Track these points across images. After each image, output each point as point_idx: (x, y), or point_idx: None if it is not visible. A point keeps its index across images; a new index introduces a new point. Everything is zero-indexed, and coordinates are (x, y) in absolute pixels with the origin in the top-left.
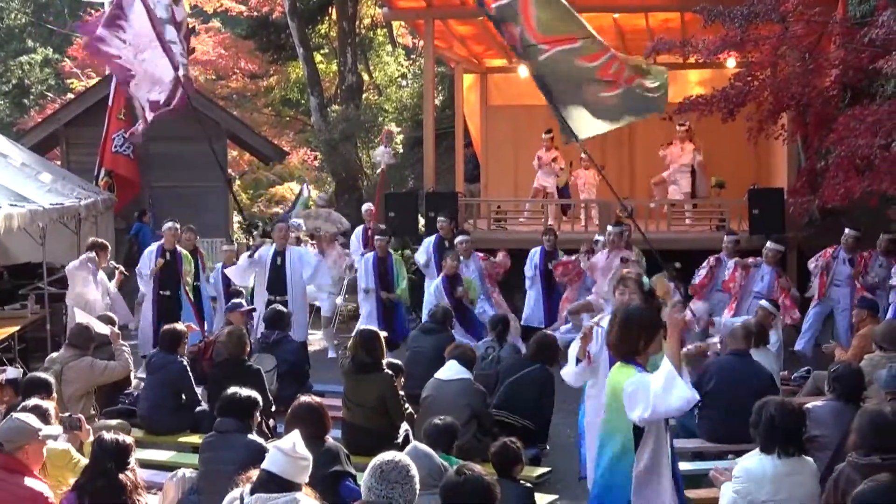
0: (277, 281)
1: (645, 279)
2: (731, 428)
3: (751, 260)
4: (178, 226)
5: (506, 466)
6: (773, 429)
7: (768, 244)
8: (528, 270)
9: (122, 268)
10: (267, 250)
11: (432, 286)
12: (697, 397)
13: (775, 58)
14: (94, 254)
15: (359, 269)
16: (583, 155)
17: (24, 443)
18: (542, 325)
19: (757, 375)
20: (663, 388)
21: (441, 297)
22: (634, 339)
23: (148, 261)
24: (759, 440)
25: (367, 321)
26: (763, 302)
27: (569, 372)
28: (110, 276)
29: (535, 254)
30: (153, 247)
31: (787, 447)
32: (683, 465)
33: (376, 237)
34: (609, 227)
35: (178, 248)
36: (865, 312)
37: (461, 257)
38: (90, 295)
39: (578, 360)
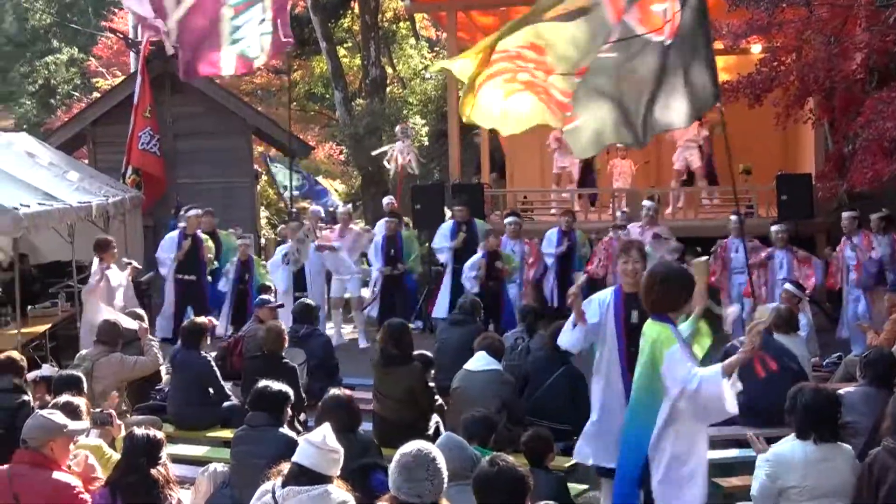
0: (298, 279)
1: (647, 248)
2: (755, 412)
3: (763, 255)
4: (200, 211)
5: (537, 456)
6: (809, 414)
7: (773, 227)
8: (546, 248)
9: (134, 262)
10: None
11: (468, 262)
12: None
13: (801, 42)
14: (98, 260)
15: (369, 253)
16: (618, 145)
17: (49, 439)
18: (555, 306)
19: (779, 357)
20: (709, 391)
21: (475, 270)
22: (675, 296)
23: (169, 246)
24: (794, 425)
25: (373, 305)
26: (787, 285)
27: (565, 339)
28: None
29: (551, 234)
30: (174, 233)
31: (822, 433)
32: (715, 454)
33: (386, 219)
34: (645, 202)
35: (198, 232)
36: None
37: (509, 237)
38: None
39: (574, 325)
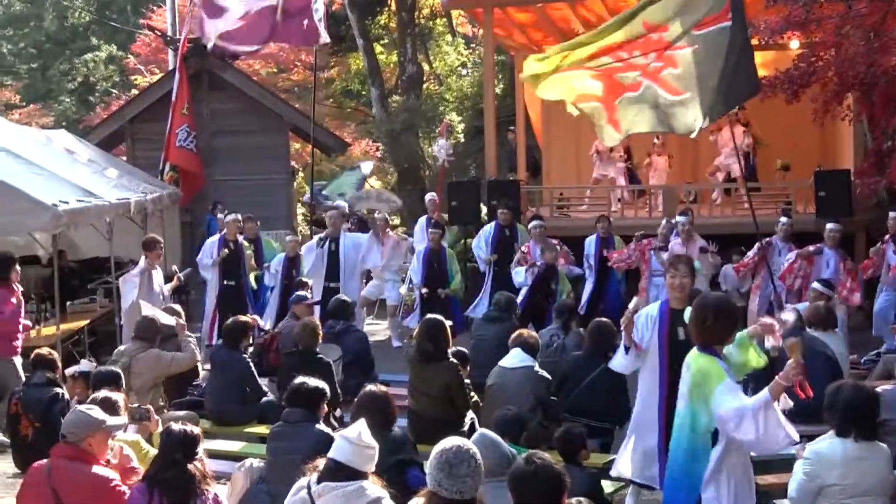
0: (331, 267)
1: (696, 264)
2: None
3: (812, 248)
4: (240, 217)
5: (571, 452)
6: (850, 412)
7: (829, 225)
8: (585, 261)
9: (180, 274)
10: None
11: (521, 272)
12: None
13: (839, 37)
14: (143, 259)
15: (411, 261)
16: (655, 141)
17: (87, 434)
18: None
19: (817, 356)
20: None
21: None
22: (726, 331)
23: (210, 251)
24: (834, 423)
25: (413, 315)
26: (815, 284)
27: (618, 363)
28: (168, 279)
29: (590, 243)
30: (215, 237)
31: (862, 431)
32: None
33: (430, 230)
34: (679, 219)
35: (240, 238)
36: None
37: (535, 242)
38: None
39: (626, 349)
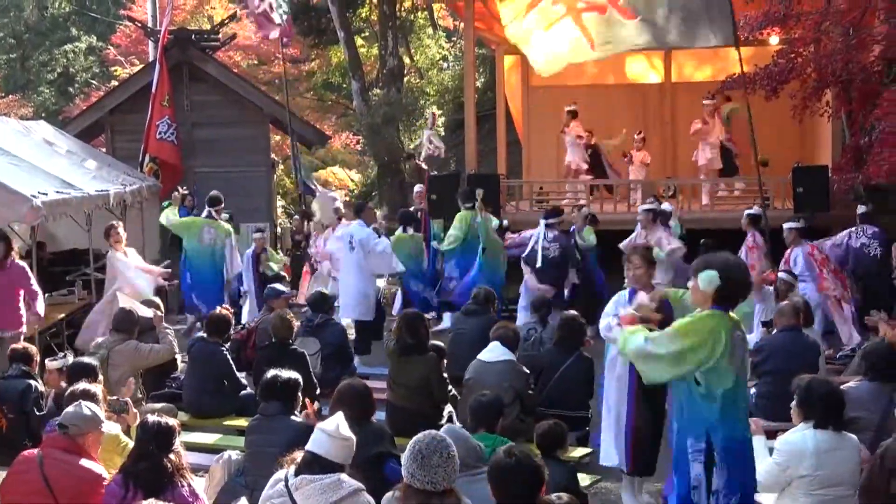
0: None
1: (656, 251)
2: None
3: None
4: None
5: (551, 446)
6: (827, 405)
7: (784, 226)
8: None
9: (165, 277)
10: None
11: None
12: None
13: (818, 34)
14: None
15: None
16: (636, 136)
17: (88, 430)
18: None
19: (811, 350)
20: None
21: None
22: None
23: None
24: (811, 416)
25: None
26: (781, 273)
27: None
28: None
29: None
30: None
31: (836, 423)
32: None
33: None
34: (640, 208)
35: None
36: None
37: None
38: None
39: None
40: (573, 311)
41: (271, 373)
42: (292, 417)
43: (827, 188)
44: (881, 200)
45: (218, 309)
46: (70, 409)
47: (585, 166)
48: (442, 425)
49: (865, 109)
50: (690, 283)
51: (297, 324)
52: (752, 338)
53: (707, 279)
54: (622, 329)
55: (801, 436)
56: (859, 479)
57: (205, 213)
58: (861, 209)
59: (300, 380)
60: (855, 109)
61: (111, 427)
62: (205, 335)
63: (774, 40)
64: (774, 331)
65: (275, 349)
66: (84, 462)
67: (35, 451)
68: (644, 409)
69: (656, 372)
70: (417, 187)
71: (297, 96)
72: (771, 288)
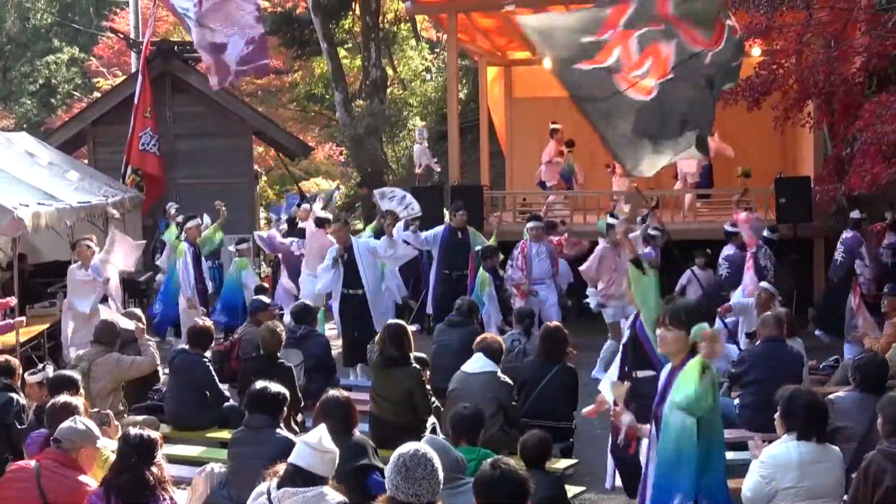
0: (351, 275)
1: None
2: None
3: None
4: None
5: (536, 458)
6: (812, 416)
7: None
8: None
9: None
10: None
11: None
12: None
13: (800, 45)
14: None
15: None
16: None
17: (81, 445)
18: None
19: (794, 361)
20: None
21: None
22: None
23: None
24: (795, 427)
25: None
26: (763, 283)
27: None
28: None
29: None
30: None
31: (819, 435)
32: None
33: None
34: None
35: None
36: None
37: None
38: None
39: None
40: (556, 322)
41: (259, 384)
42: (277, 431)
43: (809, 199)
44: (863, 211)
45: (199, 321)
46: (65, 423)
47: (554, 182)
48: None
49: (847, 121)
50: (670, 334)
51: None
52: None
53: (699, 332)
54: None
55: (784, 448)
56: (843, 490)
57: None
58: (853, 214)
59: (287, 394)
60: (837, 121)
61: (105, 442)
62: (186, 346)
63: (756, 52)
64: (758, 342)
65: (262, 361)
66: (81, 478)
67: (31, 462)
68: None
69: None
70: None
71: (280, 107)
72: (752, 300)
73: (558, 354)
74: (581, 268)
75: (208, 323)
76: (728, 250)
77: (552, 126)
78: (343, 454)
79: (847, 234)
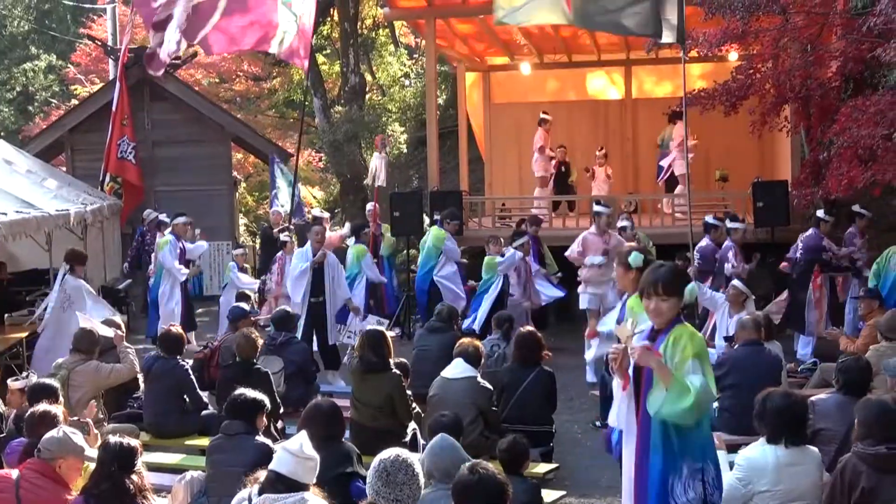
0: (316, 282)
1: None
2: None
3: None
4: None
5: (514, 463)
6: (779, 419)
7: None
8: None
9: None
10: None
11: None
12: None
13: (777, 50)
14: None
15: None
16: (597, 153)
17: (60, 455)
18: None
19: (773, 364)
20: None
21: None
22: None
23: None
24: (765, 430)
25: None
26: (735, 281)
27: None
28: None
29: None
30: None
31: (792, 437)
32: None
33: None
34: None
35: None
36: (876, 303)
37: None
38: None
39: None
40: (529, 327)
41: (237, 391)
42: (256, 438)
43: (787, 203)
44: (839, 215)
45: (169, 327)
46: (50, 433)
47: (545, 174)
48: (406, 443)
49: (824, 125)
50: (666, 303)
51: (260, 342)
52: (715, 353)
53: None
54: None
55: (760, 451)
56: (821, 493)
57: None
58: (818, 212)
59: (265, 400)
60: (813, 125)
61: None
62: (161, 353)
63: (733, 56)
64: (736, 345)
65: (239, 368)
66: (59, 489)
67: (13, 472)
68: None
69: (709, 403)
70: (369, 205)
71: (259, 114)
72: (723, 298)
73: (534, 359)
74: (566, 253)
75: (179, 329)
76: (703, 242)
77: (542, 116)
78: (328, 462)
79: (809, 232)
